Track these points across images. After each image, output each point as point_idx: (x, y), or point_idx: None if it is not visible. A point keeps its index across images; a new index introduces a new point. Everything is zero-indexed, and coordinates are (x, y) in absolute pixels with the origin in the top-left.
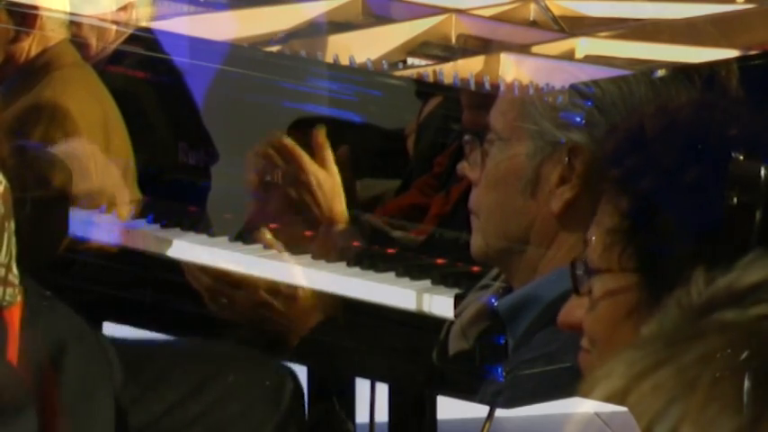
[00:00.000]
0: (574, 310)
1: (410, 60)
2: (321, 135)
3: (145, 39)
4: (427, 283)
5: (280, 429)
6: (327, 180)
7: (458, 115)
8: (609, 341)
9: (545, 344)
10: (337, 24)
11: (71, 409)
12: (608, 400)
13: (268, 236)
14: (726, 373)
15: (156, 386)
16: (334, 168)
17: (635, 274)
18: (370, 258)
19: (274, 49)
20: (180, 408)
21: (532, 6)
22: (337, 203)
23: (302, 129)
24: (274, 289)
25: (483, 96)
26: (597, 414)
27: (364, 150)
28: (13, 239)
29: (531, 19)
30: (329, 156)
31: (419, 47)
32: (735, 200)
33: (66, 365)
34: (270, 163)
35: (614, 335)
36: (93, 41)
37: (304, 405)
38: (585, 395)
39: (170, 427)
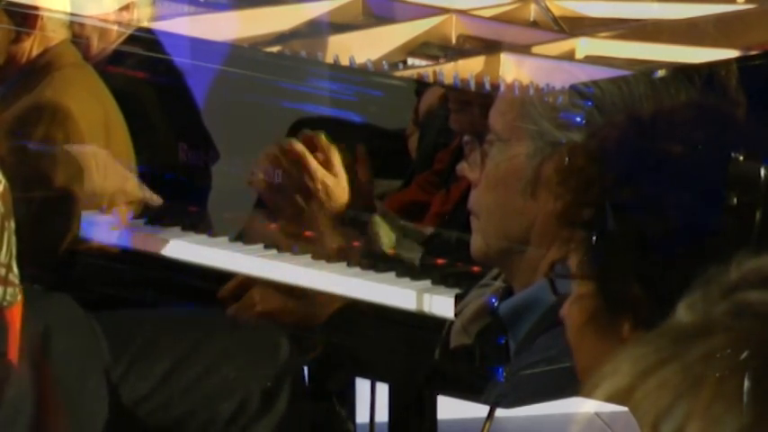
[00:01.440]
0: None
1: (410, 61)
2: (324, 139)
3: (145, 39)
4: (427, 283)
5: (276, 389)
6: (336, 184)
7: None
8: (576, 345)
9: (547, 348)
10: (337, 25)
11: (62, 390)
12: (612, 397)
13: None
14: (732, 371)
15: (146, 356)
16: (342, 172)
17: (592, 283)
18: (370, 258)
19: (274, 49)
20: (174, 376)
21: (532, 7)
22: (342, 206)
23: (303, 130)
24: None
25: (477, 97)
26: (597, 414)
27: (364, 150)
28: (14, 239)
29: (531, 19)
30: (336, 159)
31: (419, 47)
32: (735, 200)
33: (52, 347)
34: (278, 166)
35: (578, 340)
36: (94, 41)
37: (301, 366)
38: (589, 394)
39: (167, 395)
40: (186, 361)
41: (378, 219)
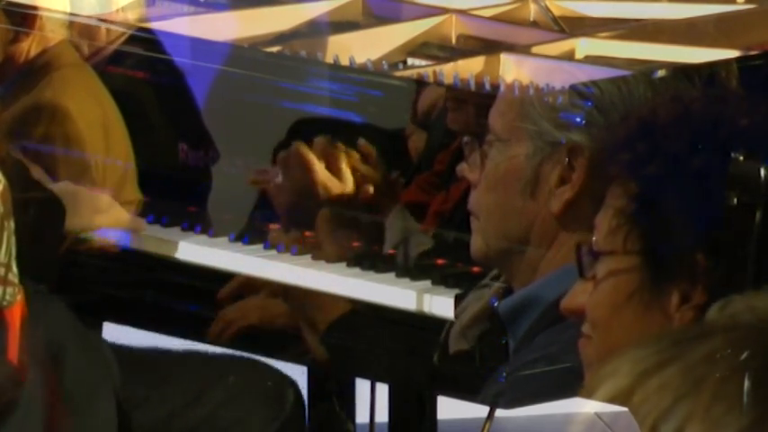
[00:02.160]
0: (578, 295)
1: (410, 61)
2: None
3: (145, 39)
4: (427, 283)
5: None
6: (338, 187)
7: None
8: (609, 325)
9: (546, 345)
10: (337, 25)
11: (72, 409)
12: (612, 399)
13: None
14: (732, 373)
15: (156, 391)
16: (347, 174)
17: (638, 257)
18: (370, 258)
19: (274, 49)
20: (181, 413)
21: (532, 6)
22: (343, 207)
23: (303, 130)
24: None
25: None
26: (598, 415)
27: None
28: (13, 239)
29: (531, 19)
30: (342, 161)
31: (419, 47)
32: (735, 200)
33: (66, 366)
34: (282, 168)
35: (614, 318)
36: (83, 45)
37: (305, 412)
38: (589, 395)
39: (171, 431)
40: (195, 399)
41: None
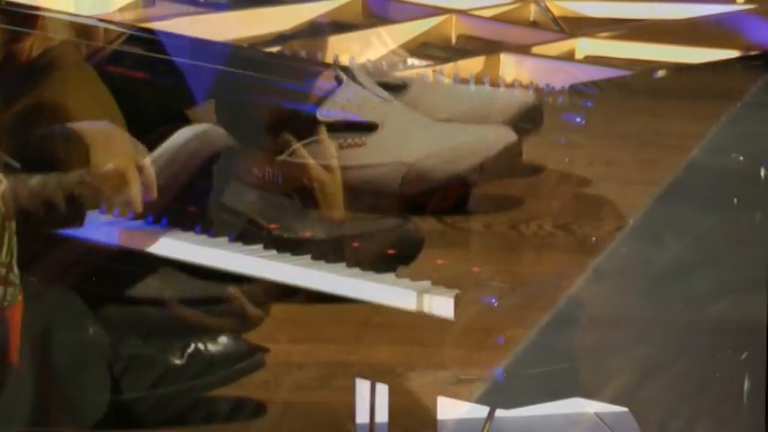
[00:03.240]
0: None
1: (410, 61)
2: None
3: (145, 39)
4: (427, 283)
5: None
6: (331, 184)
7: None
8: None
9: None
10: (337, 25)
11: (63, 378)
12: (618, 398)
13: None
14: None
15: (146, 354)
16: (338, 171)
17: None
18: (369, 258)
19: (274, 49)
20: (171, 376)
21: (532, 7)
22: (338, 207)
23: (303, 129)
24: None
25: None
26: (598, 415)
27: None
28: (14, 239)
29: (531, 19)
30: (333, 159)
31: (419, 47)
32: (735, 200)
33: (55, 338)
34: (277, 165)
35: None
36: (91, 42)
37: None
38: (593, 395)
39: (165, 393)
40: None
41: None
